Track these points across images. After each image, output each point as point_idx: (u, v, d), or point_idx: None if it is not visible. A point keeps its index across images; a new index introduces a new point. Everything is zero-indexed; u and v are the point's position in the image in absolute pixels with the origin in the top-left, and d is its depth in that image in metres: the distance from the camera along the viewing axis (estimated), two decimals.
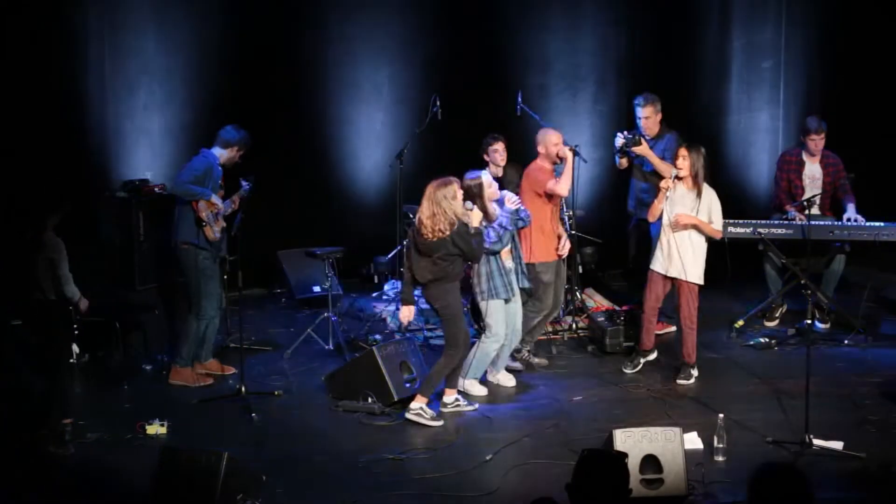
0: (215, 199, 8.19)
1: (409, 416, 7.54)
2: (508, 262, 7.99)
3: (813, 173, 9.54)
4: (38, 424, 7.26)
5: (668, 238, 8.15)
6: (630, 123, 9.56)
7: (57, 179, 7.98)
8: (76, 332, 8.24)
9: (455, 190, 7.49)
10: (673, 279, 8.21)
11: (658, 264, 8.23)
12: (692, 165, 8.07)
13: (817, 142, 9.44)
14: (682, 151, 8.13)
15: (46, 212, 7.30)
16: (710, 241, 8.22)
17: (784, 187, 9.62)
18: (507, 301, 7.91)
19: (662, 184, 8.18)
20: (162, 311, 9.26)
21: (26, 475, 6.75)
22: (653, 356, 8.53)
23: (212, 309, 8.28)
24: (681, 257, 8.09)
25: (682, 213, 8.09)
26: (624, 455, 4.56)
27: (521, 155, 9.47)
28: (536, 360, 8.70)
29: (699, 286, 8.18)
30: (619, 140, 9.22)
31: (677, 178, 8.12)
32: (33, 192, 7.47)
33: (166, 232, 8.51)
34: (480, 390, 8.06)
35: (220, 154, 8.31)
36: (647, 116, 9.25)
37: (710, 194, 8.13)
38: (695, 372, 8.28)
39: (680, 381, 8.21)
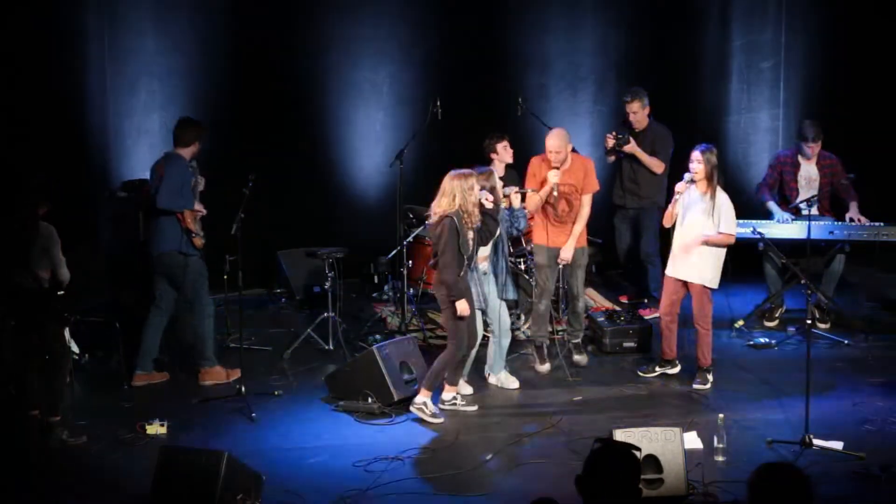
0: (198, 205, 8.25)
1: (412, 408, 7.59)
2: (483, 266, 7.95)
3: (809, 174, 9.56)
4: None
5: (680, 241, 8.08)
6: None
7: (42, 172, 7.99)
8: (74, 329, 8.23)
9: (473, 183, 7.49)
10: (686, 282, 8.12)
11: (670, 268, 8.16)
12: (706, 168, 7.95)
13: (813, 148, 9.47)
14: (696, 155, 7.97)
15: (33, 202, 7.30)
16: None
17: (771, 184, 9.63)
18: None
19: (677, 187, 8.05)
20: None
21: (25, 475, 6.76)
22: (675, 369, 8.35)
23: (210, 305, 8.32)
24: (690, 260, 8.03)
25: (691, 240, 7.97)
26: (637, 448, 4.48)
27: (522, 156, 9.49)
28: (577, 356, 8.63)
29: (711, 289, 8.03)
30: (610, 141, 9.40)
31: (691, 181, 7.99)
32: (22, 185, 7.44)
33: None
34: (465, 389, 8.06)
35: (186, 152, 8.30)
36: (636, 111, 9.57)
37: (721, 197, 7.97)
38: (710, 377, 8.16)
39: (696, 386, 8.13)
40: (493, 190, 7.76)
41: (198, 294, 8.28)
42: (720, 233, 7.96)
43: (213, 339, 8.37)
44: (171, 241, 8.21)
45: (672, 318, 8.22)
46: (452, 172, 7.55)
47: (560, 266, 8.46)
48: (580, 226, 8.40)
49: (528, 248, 9.38)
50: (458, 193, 7.43)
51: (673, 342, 8.29)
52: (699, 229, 7.99)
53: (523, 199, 8.35)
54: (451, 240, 7.41)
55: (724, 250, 8.05)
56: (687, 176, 8.01)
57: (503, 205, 8.06)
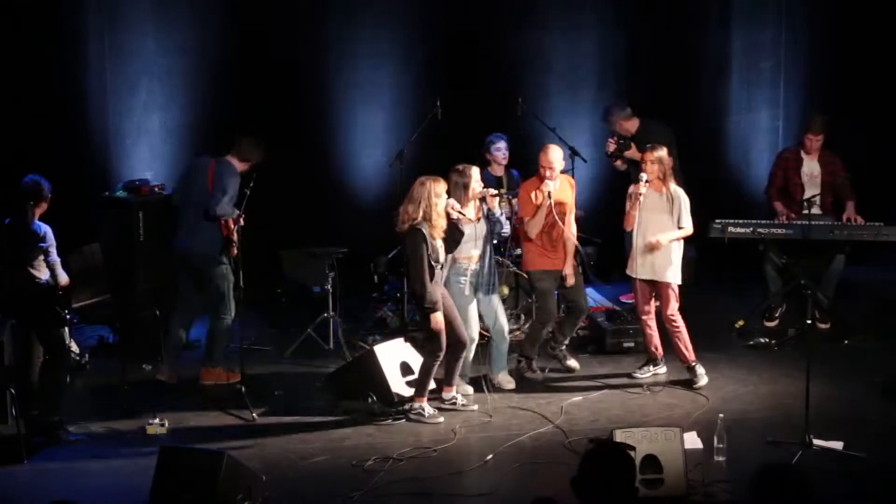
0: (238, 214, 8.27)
1: (411, 416, 7.59)
2: (473, 266, 7.89)
3: (811, 170, 9.55)
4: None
5: (641, 243, 8.08)
6: None
7: (40, 172, 7.98)
8: (70, 326, 8.21)
9: (440, 191, 7.42)
10: (652, 282, 8.14)
11: (633, 270, 8.16)
12: (659, 168, 7.99)
13: (814, 142, 9.47)
14: (648, 156, 8.04)
15: (28, 201, 7.28)
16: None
17: (778, 185, 9.63)
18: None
19: (632, 189, 8.07)
20: (161, 311, 9.25)
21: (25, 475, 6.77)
22: (662, 369, 8.37)
23: (232, 311, 8.34)
24: (653, 259, 8.05)
25: (657, 238, 7.99)
26: (631, 448, 4.50)
27: (521, 156, 9.49)
28: (569, 362, 8.60)
29: (679, 286, 8.10)
30: (611, 146, 9.40)
31: (647, 182, 8.02)
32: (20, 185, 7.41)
33: (167, 233, 8.54)
34: (466, 389, 8.06)
35: (239, 164, 8.30)
36: (617, 126, 9.60)
37: (677, 193, 8.05)
38: (701, 370, 8.15)
39: (695, 386, 8.13)
40: (466, 187, 7.70)
41: (226, 298, 8.29)
42: (680, 227, 8.03)
43: (224, 343, 8.37)
44: (210, 244, 8.20)
45: (650, 317, 8.25)
46: (422, 178, 7.51)
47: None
48: (573, 244, 8.38)
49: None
50: (423, 200, 7.39)
51: (656, 341, 8.31)
52: (659, 229, 8.02)
53: (501, 202, 8.27)
54: (419, 250, 7.34)
55: (681, 247, 8.10)
56: (643, 176, 8.04)
57: (490, 207, 8.01)
